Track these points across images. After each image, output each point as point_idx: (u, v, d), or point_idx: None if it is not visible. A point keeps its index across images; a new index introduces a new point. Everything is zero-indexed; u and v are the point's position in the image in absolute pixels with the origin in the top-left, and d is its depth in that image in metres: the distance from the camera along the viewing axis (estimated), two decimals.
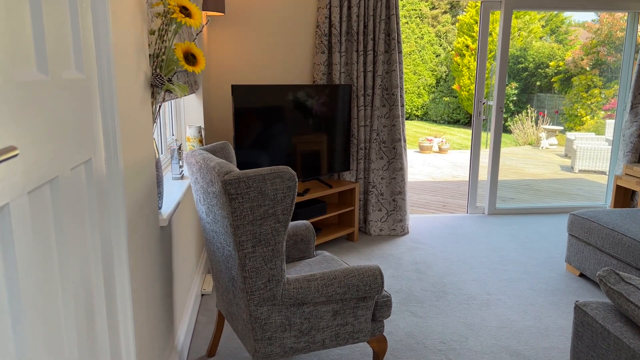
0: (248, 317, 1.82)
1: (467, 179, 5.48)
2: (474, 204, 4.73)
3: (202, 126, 3.29)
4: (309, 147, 3.61)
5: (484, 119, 4.55)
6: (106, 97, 1.26)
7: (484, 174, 4.90)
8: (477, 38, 4.92)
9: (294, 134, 3.51)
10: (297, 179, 1.70)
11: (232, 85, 3.12)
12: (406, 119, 14.06)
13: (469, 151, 5.02)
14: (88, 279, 1.11)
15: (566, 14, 14.46)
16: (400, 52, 3.90)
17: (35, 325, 0.83)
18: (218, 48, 3.82)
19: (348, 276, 1.88)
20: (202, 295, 2.96)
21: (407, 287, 3.11)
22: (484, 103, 4.49)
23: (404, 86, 4.07)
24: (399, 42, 3.88)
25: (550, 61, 13.72)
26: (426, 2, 16.74)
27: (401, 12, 16.89)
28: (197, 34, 2.03)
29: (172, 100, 3.08)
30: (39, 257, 0.86)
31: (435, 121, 16.63)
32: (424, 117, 17.03)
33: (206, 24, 2.03)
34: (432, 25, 17.59)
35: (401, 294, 3.01)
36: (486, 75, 4.47)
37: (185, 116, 3.30)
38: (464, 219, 4.61)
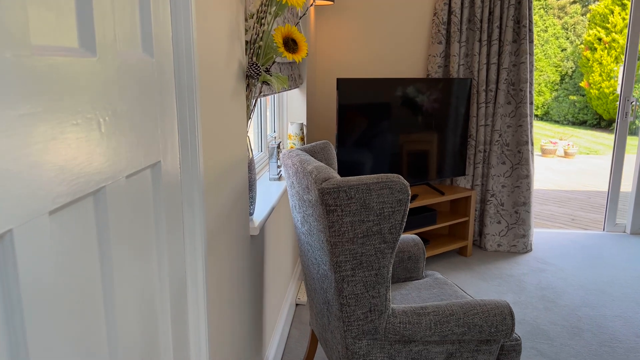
0: (344, 351, 1.54)
1: (602, 190, 4.73)
2: (613, 220, 4.03)
3: (305, 123, 3.08)
4: (417, 147, 3.24)
5: (631, 121, 3.83)
6: (183, 86, 1.04)
7: (626, 185, 4.16)
8: (627, 26, 4.18)
9: (402, 132, 3.17)
10: (409, 191, 1.38)
11: (338, 79, 2.86)
12: None
13: (601, 157, 4.29)
14: (149, 316, 0.89)
15: None
16: (531, 41, 3.38)
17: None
18: (325, 40, 3.59)
19: (469, 313, 1.52)
20: (297, 305, 2.74)
21: (532, 317, 2.64)
22: (632, 102, 3.78)
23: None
24: (530, 30, 3.36)
25: None
26: None
27: None
28: (300, 17, 1.78)
29: (275, 95, 2.90)
30: (69, 288, 0.64)
31: (557, 122, 15.17)
32: (545, 117, 15.62)
33: (311, 5, 1.77)
34: (558, 17, 16.06)
35: (524, 325, 2.55)
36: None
37: (288, 112, 3.11)
38: (600, 237, 3.93)
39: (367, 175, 1.39)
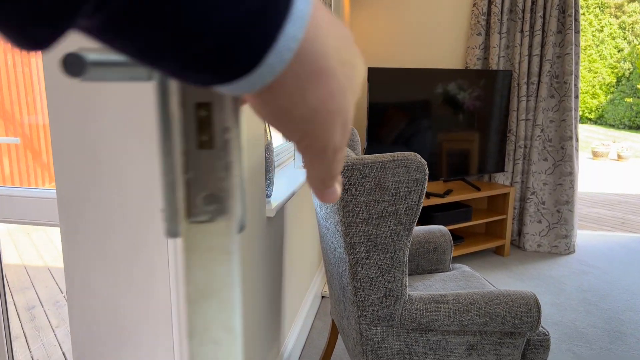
0: (358, 337, 1.49)
1: None
2: None
3: None
4: (453, 140, 3.14)
5: None
6: None
7: None
8: None
9: (438, 126, 3.07)
10: (426, 170, 1.32)
11: (369, 68, 2.80)
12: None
13: None
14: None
15: None
16: (577, 32, 3.21)
17: None
18: (359, 31, 3.54)
19: (491, 303, 1.44)
20: (323, 297, 2.70)
21: (570, 320, 2.49)
22: None
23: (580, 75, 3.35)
24: (576, 19, 3.19)
25: None
26: None
27: None
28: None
29: None
30: None
31: (612, 125, 14.45)
32: (599, 120, 14.91)
33: None
34: (615, 16, 15.32)
35: (562, 327, 2.40)
36: None
37: None
38: None
39: (383, 154, 1.34)
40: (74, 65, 0.24)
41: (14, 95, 4.49)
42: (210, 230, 0.26)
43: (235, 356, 0.26)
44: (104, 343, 1.06)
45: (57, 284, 3.24)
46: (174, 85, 0.25)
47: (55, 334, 2.54)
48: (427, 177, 1.32)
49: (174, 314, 0.99)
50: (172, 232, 0.26)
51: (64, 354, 2.34)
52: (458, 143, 3.13)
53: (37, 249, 3.84)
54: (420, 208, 1.35)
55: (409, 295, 1.45)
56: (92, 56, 0.25)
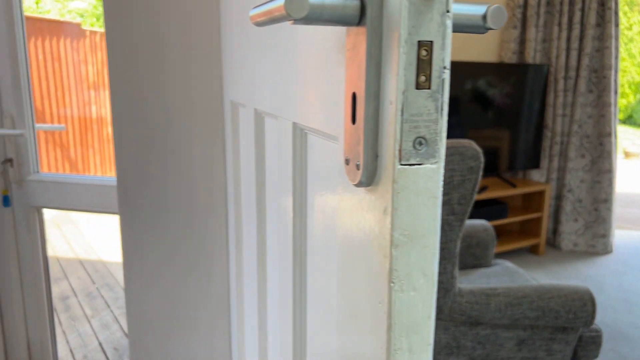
0: None
1: None
2: None
3: None
4: (484, 136, 3.08)
5: None
6: None
7: None
8: None
9: (470, 121, 3.02)
10: (482, 159, 1.28)
11: None
12: None
13: None
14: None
15: None
16: (617, 25, 3.13)
17: None
18: None
19: (544, 297, 1.39)
20: None
21: (612, 319, 2.42)
22: None
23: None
24: (616, 12, 3.11)
25: None
26: None
27: None
28: None
29: None
30: None
31: None
32: (628, 120, 14.57)
33: None
34: None
35: (603, 327, 2.34)
36: None
37: None
38: None
39: None
40: (296, 4, 0.24)
41: (44, 89, 4.57)
42: (420, 173, 0.25)
43: (431, 303, 0.24)
44: (161, 327, 1.06)
45: (89, 275, 3.29)
46: (392, 23, 0.24)
47: (90, 324, 2.57)
48: (482, 165, 1.28)
49: (233, 298, 0.97)
50: (366, 181, 0.26)
51: (100, 343, 2.37)
52: (489, 140, 3.07)
53: (68, 241, 3.90)
54: (474, 198, 1.32)
55: (458, 288, 1.42)
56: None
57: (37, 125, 1.45)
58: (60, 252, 3.69)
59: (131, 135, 1.00)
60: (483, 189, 3.05)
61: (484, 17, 0.25)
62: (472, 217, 2.95)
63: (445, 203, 1.31)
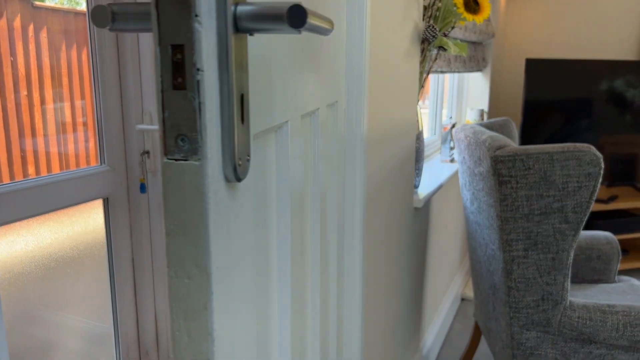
0: (509, 340, 1.41)
1: None
2: None
3: (486, 110, 2.90)
4: (619, 142, 2.80)
5: None
6: (354, 37, 1.05)
7: None
8: None
9: (600, 127, 2.77)
10: (602, 164, 1.19)
11: (527, 60, 2.62)
12: None
13: None
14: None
15: None
16: None
17: None
18: (514, 14, 3.33)
19: None
20: (462, 299, 2.60)
21: None
22: None
23: None
24: None
25: None
26: None
27: None
28: None
29: (455, 79, 2.79)
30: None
31: None
32: None
33: None
34: None
35: None
36: None
37: (468, 98, 2.97)
38: None
39: (550, 144, 1.24)
40: (100, 16, 0.27)
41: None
42: (184, 168, 0.26)
43: (206, 294, 0.27)
44: None
45: None
46: (152, 27, 0.27)
47: None
48: (602, 172, 1.19)
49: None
50: (154, 172, 0.30)
51: None
52: (624, 146, 2.79)
53: None
54: (591, 206, 1.23)
55: (569, 302, 1.33)
56: (116, 8, 0.27)
57: None
58: None
59: None
60: (612, 198, 2.78)
61: (283, 17, 0.26)
62: (596, 228, 2.71)
63: (558, 210, 1.24)
